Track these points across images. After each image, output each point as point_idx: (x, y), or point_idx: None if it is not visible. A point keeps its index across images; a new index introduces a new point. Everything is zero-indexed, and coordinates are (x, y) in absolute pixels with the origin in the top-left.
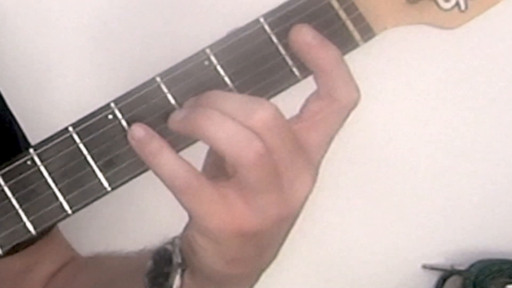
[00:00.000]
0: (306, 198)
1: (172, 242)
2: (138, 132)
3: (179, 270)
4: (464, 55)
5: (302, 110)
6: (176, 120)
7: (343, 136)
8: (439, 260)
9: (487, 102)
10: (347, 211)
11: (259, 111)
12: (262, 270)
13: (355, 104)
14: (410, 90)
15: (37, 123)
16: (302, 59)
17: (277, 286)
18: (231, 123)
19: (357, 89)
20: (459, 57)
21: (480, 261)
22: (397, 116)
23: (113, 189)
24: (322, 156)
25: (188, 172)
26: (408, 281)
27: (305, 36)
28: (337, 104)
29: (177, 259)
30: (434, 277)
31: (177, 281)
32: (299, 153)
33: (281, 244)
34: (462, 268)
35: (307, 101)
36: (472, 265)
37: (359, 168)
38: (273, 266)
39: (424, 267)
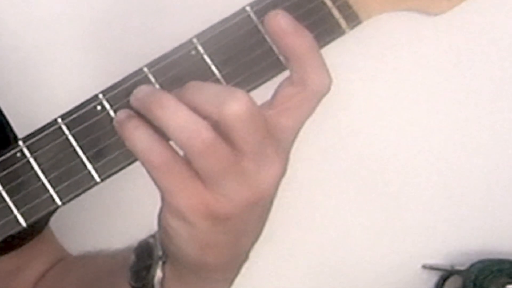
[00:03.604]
0: (276, 183)
1: (154, 235)
2: (121, 114)
3: (159, 263)
4: (457, 45)
5: (274, 96)
6: (137, 97)
7: (344, 136)
8: (439, 260)
9: (488, 99)
10: (346, 211)
11: (231, 103)
12: (241, 260)
13: (327, 91)
14: (411, 88)
15: (25, 116)
16: (276, 45)
17: (276, 286)
18: (183, 112)
19: (329, 76)
20: (452, 48)
21: (480, 261)
22: (396, 115)
23: (102, 180)
24: (293, 141)
25: (164, 148)
26: (408, 281)
27: (279, 22)
28: (309, 91)
29: (157, 251)
30: (434, 277)
31: (158, 273)
32: (270, 141)
33: (256, 235)
34: (462, 268)
35: (280, 87)
36: (472, 265)
37: (359, 167)
38: (272, 266)
39: (424, 267)
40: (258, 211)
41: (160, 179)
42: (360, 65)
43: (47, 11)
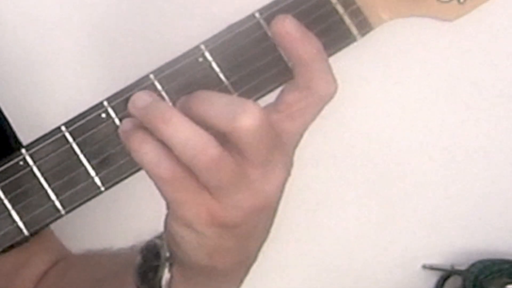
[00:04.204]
0: (281, 186)
1: (160, 236)
2: (126, 124)
3: (167, 264)
4: (464, 51)
5: (278, 100)
6: (136, 106)
7: (344, 136)
8: (439, 260)
9: (488, 100)
10: (347, 211)
11: (243, 116)
12: (249, 264)
13: (332, 96)
14: (411, 89)
15: (29, 121)
16: (283, 49)
17: (276, 286)
18: (187, 127)
19: (335, 82)
20: (458, 54)
21: (480, 261)
22: (397, 116)
23: (106, 188)
24: (296, 144)
25: (172, 162)
26: (408, 281)
27: (287, 27)
28: (314, 96)
29: (165, 253)
30: (434, 277)
31: (166, 275)
32: (276, 148)
33: (264, 237)
34: (462, 268)
35: (284, 91)
36: (472, 265)
37: (359, 167)
38: (273, 265)
39: (424, 267)
40: (265, 215)
41: (168, 192)
42: (364, 68)
43: (53, 16)
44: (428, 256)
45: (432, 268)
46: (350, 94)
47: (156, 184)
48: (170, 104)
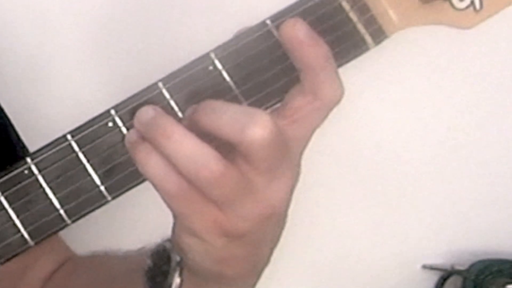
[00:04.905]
0: (288, 193)
1: (170, 239)
2: (133, 135)
3: (177, 269)
4: (466, 56)
5: (284, 106)
6: (140, 121)
7: (344, 136)
8: (439, 260)
9: (488, 101)
10: (347, 211)
11: (254, 128)
12: (261, 268)
13: (338, 102)
14: (411, 89)
15: (36, 127)
16: (291, 54)
17: (276, 287)
18: (189, 142)
19: (342, 87)
20: (460, 59)
21: (480, 261)
22: (397, 116)
23: (113, 198)
24: (303, 149)
25: (179, 176)
26: (408, 281)
27: (297, 33)
28: (320, 102)
29: (175, 257)
30: (434, 277)
31: (176, 279)
32: (284, 156)
33: (275, 242)
34: (462, 268)
35: (290, 96)
36: (472, 265)
37: (359, 167)
38: (272, 266)
39: (424, 267)
40: (273, 222)
41: (174, 205)
42: (365, 70)
43: (60, 19)
44: (428, 256)
45: (432, 268)
46: (350, 96)
47: (162, 196)
48: (179, 114)
